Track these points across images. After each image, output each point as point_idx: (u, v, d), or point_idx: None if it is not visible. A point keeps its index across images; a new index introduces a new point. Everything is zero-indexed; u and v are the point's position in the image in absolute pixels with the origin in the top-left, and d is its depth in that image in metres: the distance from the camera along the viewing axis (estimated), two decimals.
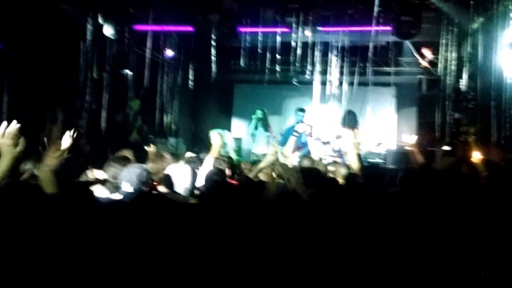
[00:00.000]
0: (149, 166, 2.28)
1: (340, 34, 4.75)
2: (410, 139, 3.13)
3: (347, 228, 1.53)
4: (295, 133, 3.29)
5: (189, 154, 3.02)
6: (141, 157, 2.54)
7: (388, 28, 4.45)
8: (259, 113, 5.45)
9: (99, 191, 1.92)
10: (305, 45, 4.90)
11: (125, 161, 2.11)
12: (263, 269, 1.24)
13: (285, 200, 1.79)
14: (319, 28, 4.63)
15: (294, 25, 4.46)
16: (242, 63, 5.10)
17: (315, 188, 1.98)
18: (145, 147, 3.07)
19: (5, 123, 1.53)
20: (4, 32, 3.62)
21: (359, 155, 2.78)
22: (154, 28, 4.80)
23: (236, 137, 6.12)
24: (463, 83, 4.55)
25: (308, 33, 4.62)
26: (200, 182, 2.19)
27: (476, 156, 2.81)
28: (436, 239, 1.49)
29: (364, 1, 4.27)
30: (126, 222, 1.31)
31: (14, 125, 1.53)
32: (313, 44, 4.98)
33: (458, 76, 4.61)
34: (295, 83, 5.85)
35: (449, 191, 1.83)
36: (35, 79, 3.90)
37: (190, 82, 5.79)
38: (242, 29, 4.72)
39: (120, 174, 1.88)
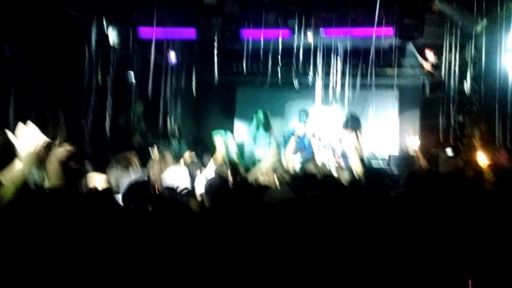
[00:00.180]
0: (151, 169, 2.28)
1: (342, 38, 4.75)
2: (413, 142, 3.10)
3: (349, 231, 1.51)
4: (295, 137, 3.29)
5: (187, 154, 3.01)
6: (145, 160, 2.55)
7: (391, 30, 4.44)
8: (260, 114, 5.47)
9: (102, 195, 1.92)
10: (307, 47, 4.90)
11: (127, 162, 2.11)
12: (263, 269, 1.23)
13: (286, 202, 1.78)
14: (322, 31, 4.64)
15: (296, 28, 4.46)
16: (244, 66, 5.11)
17: (319, 191, 1.97)
18: (149, 149, 3.08)
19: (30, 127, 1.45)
20: (9, 36, 3.67)
21: (362, 158, 2.77)
22: (157, 31, 4.84)
23: (238, 139, 6.13)
24: (467, 85, 4.52)
25: (310, 36, 4.63)
26: (201, 184, 2.19)
27: (482, 159, 2.78)
28: (440, 244, 1.47)
29: (366, 4, 4.27)
30: (125, 223, 1.31)
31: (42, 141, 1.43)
32: (316, 47, 4.98)
33: (462, 78, 4.58)
34: (297, 86, 5.85)
35: (454, 196, 1.81)
36: (40, 82, 3.94)
37: (192, 85, 5.81)
38: (245, 32, 4.73)
39: (122, 176, 1.88)
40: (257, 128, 5.47)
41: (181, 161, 2.83)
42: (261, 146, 5.41)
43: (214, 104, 7.06)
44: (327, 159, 4.57)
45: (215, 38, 4.79)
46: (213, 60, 5.07)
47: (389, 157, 5.23)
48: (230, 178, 2.45)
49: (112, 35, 4.59)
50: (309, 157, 4.04)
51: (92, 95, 4.51)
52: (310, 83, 5.36)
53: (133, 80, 5.30)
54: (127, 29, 4.73)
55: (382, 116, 6.36)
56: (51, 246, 1.11)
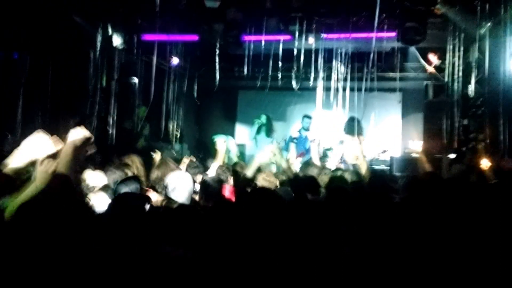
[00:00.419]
0: (154, 173, 2.29)
1: (344, 41, 4.75)
2: (416, 146, 3.08)
3: (351, 236, 1.50)
4: (311, 141, 3.35)
5: (187, 159, 3.02)
6: (148, 164, 2.57)
7: (393, 34, 4.43)
8: (263, 118, 5.46)
9: (98, 197, 1.93)
10: (309, 52, 4.92)
11: (125, 168, 2.12)
12: (263, 269, 1.22)
13: (288, 205, 1.77)
14: (323, 36, 4.65)
15: (297, 33, 4.48)
16: (246, 70, 5.14)
17: (319, 194, 1.96)
18: (152, 154, 3.10)
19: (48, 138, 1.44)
20: (18, 42, 3.74)
21: (364, 162, 2.75)
22: (160, 37, 4.90)
23: (240, 143, 6.14)
24: (471, 88, 4.48)
25: (311, 40, 4.64)
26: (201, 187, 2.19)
27: (486, 164, 2.74)
28: (443, 249, 1.45)
29: (368, 8, 4.27)
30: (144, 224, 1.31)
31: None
32: (317, 51, 4.99)
33: (465, 81, 4.55)
34: (299, 90, 5.86)
35: (457, 200, 1.79)
36: (47, 88, 4.00)
37: (195, 89, 5.85)
38: (246, 38, 4.77)
39: (119, 179, 1.89)
40: (258, 131, 5.47)
41: (183, 165, 2.84)
42: (262, 149, 5.39)
43: (217, 108, 7.10)
44: (328, 163, 4.55)
45: (217, 43, 4.83)
46: (215, 65, 5.11)
47: (392, 160, 5.19)
48: (231, 180, 2.45)
49: (117, 41, 4.66)
50: (310, 160, 4.03)
51: (97, 100, 4.56)
52: (312, 87, 5.37)
53: (137, 85, 5.35)
54: (131, 35, 4.80)
55: (385, 120, 6.32)
56: (61, 246, 1.09)
